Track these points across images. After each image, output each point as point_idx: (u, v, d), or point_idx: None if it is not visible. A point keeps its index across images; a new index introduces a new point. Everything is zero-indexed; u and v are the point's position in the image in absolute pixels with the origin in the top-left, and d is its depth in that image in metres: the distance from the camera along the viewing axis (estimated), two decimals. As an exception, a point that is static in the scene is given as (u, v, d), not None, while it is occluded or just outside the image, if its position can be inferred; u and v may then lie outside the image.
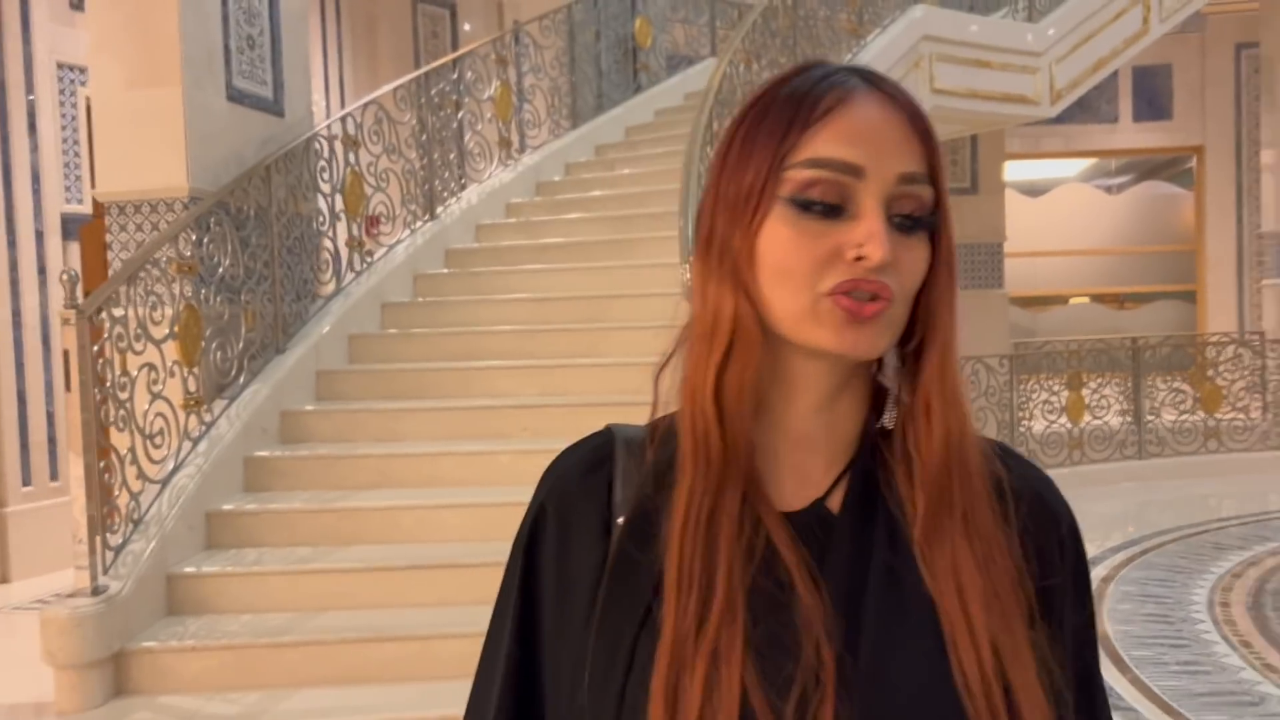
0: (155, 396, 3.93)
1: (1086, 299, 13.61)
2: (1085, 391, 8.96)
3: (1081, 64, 8.09)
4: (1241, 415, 9.24)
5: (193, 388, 4.19)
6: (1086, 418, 8.90)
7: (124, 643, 3.49)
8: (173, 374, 4.07)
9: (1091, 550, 6.14)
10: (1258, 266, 11.13)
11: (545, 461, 0.85)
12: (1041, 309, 13.35)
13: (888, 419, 0.81)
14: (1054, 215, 13.22)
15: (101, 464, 3.58)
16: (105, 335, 3.71)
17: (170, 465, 4.03)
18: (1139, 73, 11.66)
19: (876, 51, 6.52)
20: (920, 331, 0.77)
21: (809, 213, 0.73)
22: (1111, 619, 4.93)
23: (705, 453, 0.75)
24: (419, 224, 5.97)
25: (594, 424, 0.87)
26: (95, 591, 3.45)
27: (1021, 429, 8.73)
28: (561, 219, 6.26)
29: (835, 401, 0.79)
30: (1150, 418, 9.01)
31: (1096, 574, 5.64)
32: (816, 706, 0.70)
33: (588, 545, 0.79)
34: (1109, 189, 13.74)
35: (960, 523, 0.76)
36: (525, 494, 0.82)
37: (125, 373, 3.79)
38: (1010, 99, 7.81)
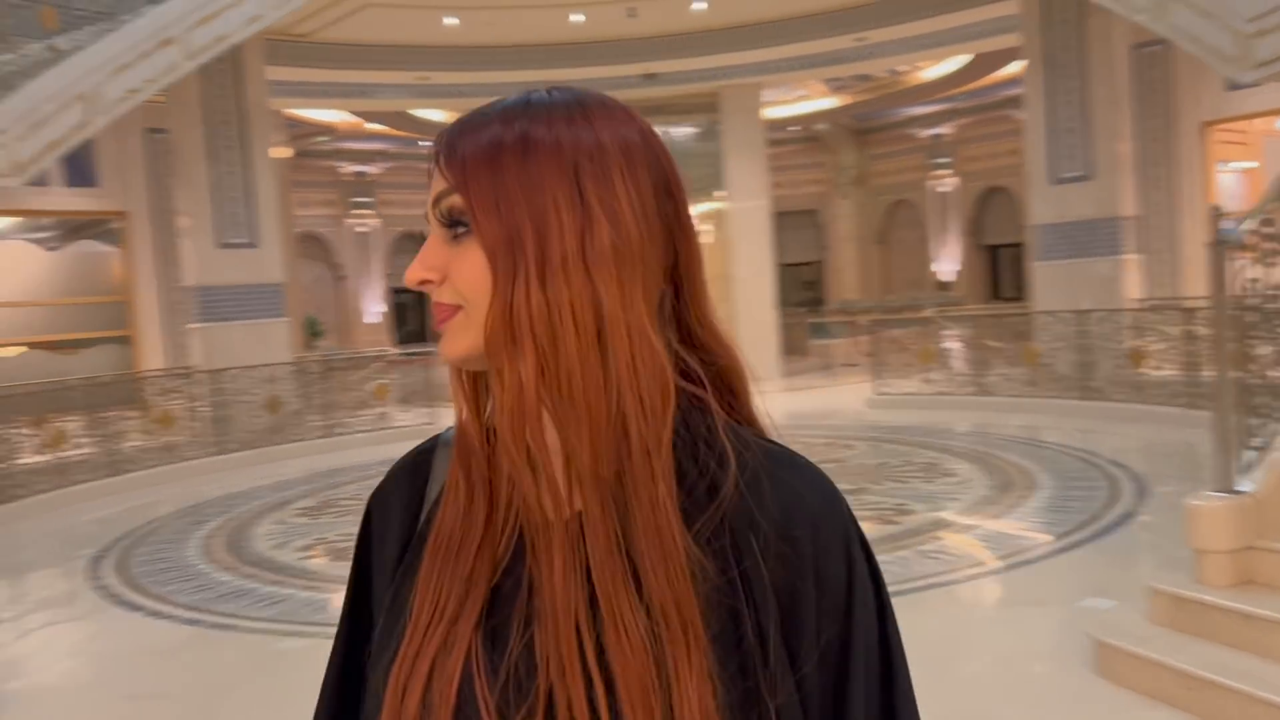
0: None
1: (25, 348, 14.44)
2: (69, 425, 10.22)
3: (40, 143, 9.38)
4: (190, 434, 11.46)
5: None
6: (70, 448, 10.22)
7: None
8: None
9: None
10: (181, 313, 13.46)
11: None
12: (-13, 359, 13.78)
13: None
14: (-6, 268, 13.79)
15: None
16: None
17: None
18: (71, 144, 12.98)
19: None
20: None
21: None
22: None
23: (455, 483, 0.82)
24: None
25: None
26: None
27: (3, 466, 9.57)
28: None
29: None
30: (118, 444, 10.65)
31: None
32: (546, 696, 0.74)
33: (397, 535, 0.87)
34: (44, 244, 14.81)
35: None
36: None
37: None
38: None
